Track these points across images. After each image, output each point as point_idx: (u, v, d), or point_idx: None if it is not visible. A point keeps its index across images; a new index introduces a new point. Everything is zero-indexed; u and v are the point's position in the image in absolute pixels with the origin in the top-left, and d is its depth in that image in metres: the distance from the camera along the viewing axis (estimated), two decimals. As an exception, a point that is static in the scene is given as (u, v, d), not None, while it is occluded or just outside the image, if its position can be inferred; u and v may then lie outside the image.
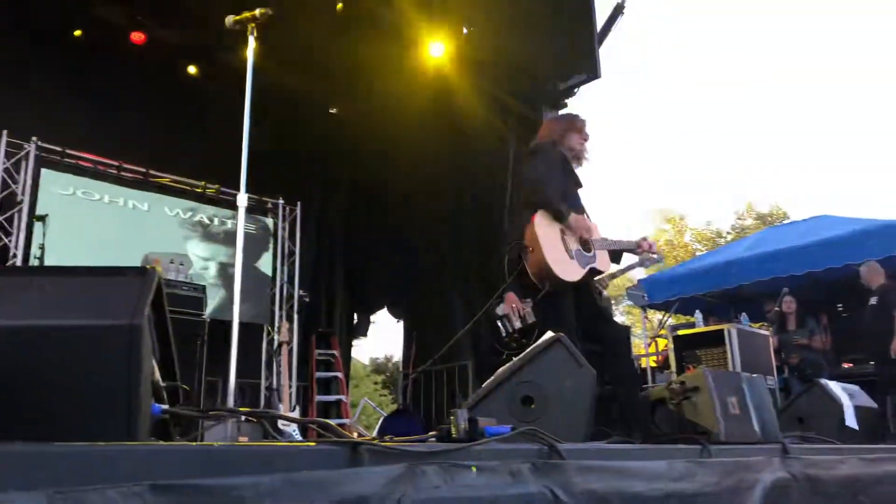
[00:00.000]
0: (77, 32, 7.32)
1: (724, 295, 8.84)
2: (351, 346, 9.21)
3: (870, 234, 7.30)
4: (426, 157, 8.47)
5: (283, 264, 7.97)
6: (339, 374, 8.12)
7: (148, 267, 1.54)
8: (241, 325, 5.78)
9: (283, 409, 6.22)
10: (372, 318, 9.30)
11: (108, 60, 7.40)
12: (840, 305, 8.58)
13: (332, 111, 9.57)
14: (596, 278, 3.66)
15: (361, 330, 9.17)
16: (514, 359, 2.52)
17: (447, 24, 7.84)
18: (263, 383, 7.26)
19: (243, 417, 3.80)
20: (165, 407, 1.57)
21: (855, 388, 4.05)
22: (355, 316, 9.19)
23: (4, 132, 6.41)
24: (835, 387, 3.75)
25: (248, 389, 7.06)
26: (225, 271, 7.43)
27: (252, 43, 2.92)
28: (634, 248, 3.86)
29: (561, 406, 2.37)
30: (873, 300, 6.75)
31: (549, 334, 2.54)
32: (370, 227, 9.17)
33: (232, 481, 1.24)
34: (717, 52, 51.29)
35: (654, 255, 3.89)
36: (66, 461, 1.16)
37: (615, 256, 3.83)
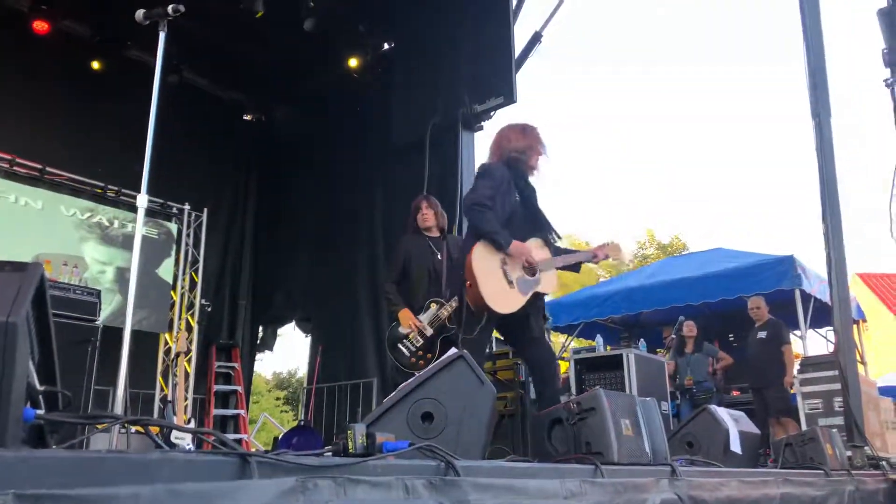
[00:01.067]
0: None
1: (625, 321, 9.15)
2: (254, 359, 8.96)
3: (762, 267, 7.74)
4: (343, 171, 8.41)
5: (185, 272, 7.69)
6: (239, 388, 7.89)
7: (31, 262, 1.45)
8: (138, 332, 5.53)
9: (177, 421, 5.97)
10: (279, 331, 9.09)
11: (7, 47, 7.00)
12: (731, 335, 9.03)
13: (246, 117, 9.40)
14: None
15: (268, 344, 8.94)
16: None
17: (371, 37, 7.89)
18: (158, 394, 6.96)
19: (132, 428, 3.62)
20: (40, 412, 1.47)
21: (741, 414, 4.24)
22: (260, 329, 8.95)
23: None
24: (722, 413, 3.91)
25: (140, 400, 6.75)
26: (122, 276, 7.10)
27: (161, 39, 2.82)
28: (590, 258, 3.92)
29: (461, 423, 2.37)
30: (762, 334, 7.15)
31: (453, 350, 2.55)
32: (282, 237, 8.99)
33: (108, 491, 1.17)
34: (629, 77, 53.43)
35: (618, 260, 4.11)
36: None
37: (574, 267, 3.88)
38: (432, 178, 7.39)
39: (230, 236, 8.81)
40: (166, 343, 7.29)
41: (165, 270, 7.56)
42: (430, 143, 7.44)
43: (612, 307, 8.60)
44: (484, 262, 3.42)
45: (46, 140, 7.01)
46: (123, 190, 7.20)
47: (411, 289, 4.75)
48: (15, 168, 6.77)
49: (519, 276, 3.50)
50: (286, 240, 8.92)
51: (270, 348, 9.33)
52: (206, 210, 8.08)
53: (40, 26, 7.17)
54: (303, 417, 7.75)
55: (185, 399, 6.62)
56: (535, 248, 3.66)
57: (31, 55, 7.08)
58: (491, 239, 3.43)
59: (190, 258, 7.78)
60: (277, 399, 22.12)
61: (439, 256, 4.82)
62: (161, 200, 7.40)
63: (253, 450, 2.93)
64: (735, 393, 8.12)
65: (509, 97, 7.10)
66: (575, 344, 9.51)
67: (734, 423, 3.85)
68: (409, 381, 2.47)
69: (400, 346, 4.61)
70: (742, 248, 9.14)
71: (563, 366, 8.94)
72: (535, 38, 7.16)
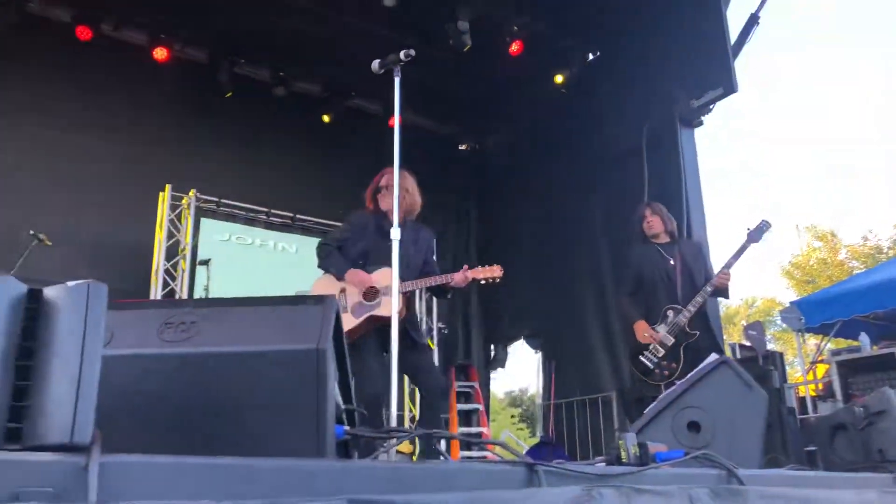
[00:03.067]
0: (228, 94, 7.93)
1: (892, 316, 8.12)
2: (489, 378, 9.22)
3: None
4: (558, 186, 8.45)
5: (419, 298, 8.15)
6: (480, 406, 8.14)
7: (328, 295, 1.63)
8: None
9: (428, 440, 6.31)
10: (509, 349, 9.28)
11: (254, 114, 7.99)
12: None
13: (462, 147, 9.83)
14: None
15: (500, 361, 9.17)
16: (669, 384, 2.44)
17: (575, 50, 7.89)
18: (408, 413, 7.40)
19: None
20: (347, 428, 1.64)
21: None
22: (492, 348, 9.21)
23: (168, 186, 7.02)
24: None
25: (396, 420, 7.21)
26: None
27: (397, 84, 3.06)
28: (447, 281, 3.95)
29: (731, 431, 2.26)
30: None
31: (713, 357, 2.44)
32: (505, 258, 9.18)
33: (421, 498, 1.28)
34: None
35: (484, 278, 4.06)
36: (272, 475, 1.23)
37: (440, 290, 4.11)
38: (653, 182, 7.17)
39: (457, 261, 9.20)
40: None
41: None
42: (647, 145, 7.25)
43: (874, 301, 7.67)
44: (319, 289, 3.91)
45: (294, 189, 7.87)
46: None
47: (647, 299, 4.65)
48: (271, 218, 7.68)
49: (356, 301, 3.81)
50: (508, 259, 8.97)
51: (503, 365, 9.54)
52: (434, 239, 8.51)
53: (279, 91, 8.14)
54: (543, 433, 7.80)
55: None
56: (382, 276, 3.79)
57: (271, 116, 8.03)
58: (329, 270, 3.93)
59: (424, 285, 8.25)
60: (512, 417, 22.51)
61: (672, 262, 4.66)
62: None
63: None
64: None
65: (729, 87, 6.71)
66: (832, 345, 8.61)
67: None
68: (671, 390, 2.41)
69: (642, 358, 4.51)
70: None
71: (821, 369, 8.15)
72: (752, 21, 6.70)
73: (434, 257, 4.35)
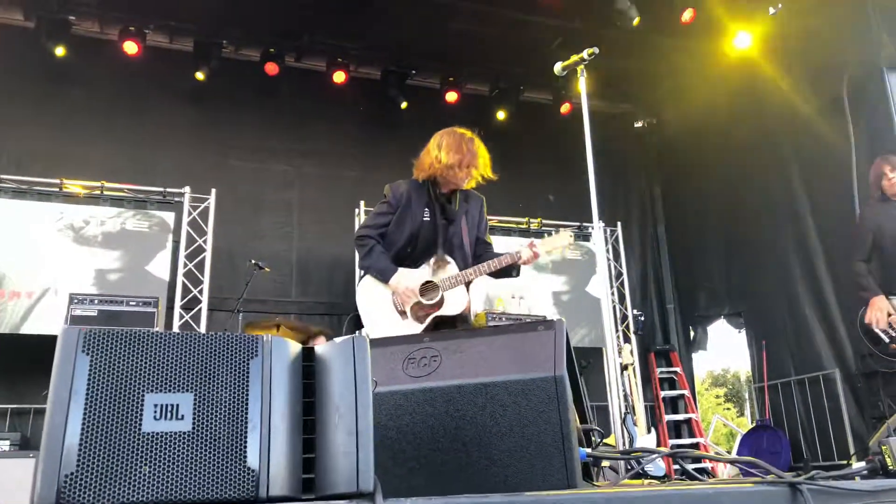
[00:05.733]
0: (403, 105, 8.24)
1: None
2: (691, 361, 8.85)
3: None
4: (746, 156, 7.93)
5: (611, 286, 8.00)
6: (686, 392, 7.86)
7: (554, 319, 1.65)
8: (582, 349, 5.87)
9: (638, 432, 6.19)
10: (709, 329, 8.84)
11: (429, 121, 8.22)
12: None
13: (637, 125, 9.51)
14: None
15: (701, 344, 8.76)
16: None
17: (752, 8, 7.34)
18: (612, 407, 7.30)
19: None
20: (589, 451, 1.65)
21: None
22: (691, 330, 8.83)
23: (363, 202, 7.41)
24: None
25: (595, 414, 7.16)
26: (558, 299, 7.69)
27: (582, 82, 3.03)
28: (515, 259, 3.27)
29: None
30: None
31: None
32: (693, 236, 8.80)
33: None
34: None
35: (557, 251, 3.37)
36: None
37: (503, 273, 3.35)
38: (860, 137, 6.51)
39: (645, 244, 8.93)
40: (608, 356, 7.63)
41: (593, 287, 7.97)
42: (849, 97, 6.58)
43: None
44: (370, 294, 3.22)
45: (479, 189, 8.01)
46: (544, 221, 7.85)
47: (886, 265, 4.22)
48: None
49: (414, 302, 3.17)
50: (698, 237, 8.69)
51: (704, 347, 9.11)
52: (619, 224, 8.32)
53: (451, 97, 8.34)
54: (759, 417, 7.36)
55: (641, 409, 6.81)
56: (437, 267, 3.24)
57: (445, 122, 8.22)
58: (375, 272, 3.22)
59: (614, 272, 8.08)
60: (717, 397, 21.48)
61: None
62: (577, 223, 7.86)
63: (713, 454, 2.87)
64: None
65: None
66: None
67: None
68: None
69: (877, 331, 4.11)
70: None
71: None
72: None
73: (486, 224, 3.64)
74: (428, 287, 3.19)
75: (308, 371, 1.24)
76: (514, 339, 1.62)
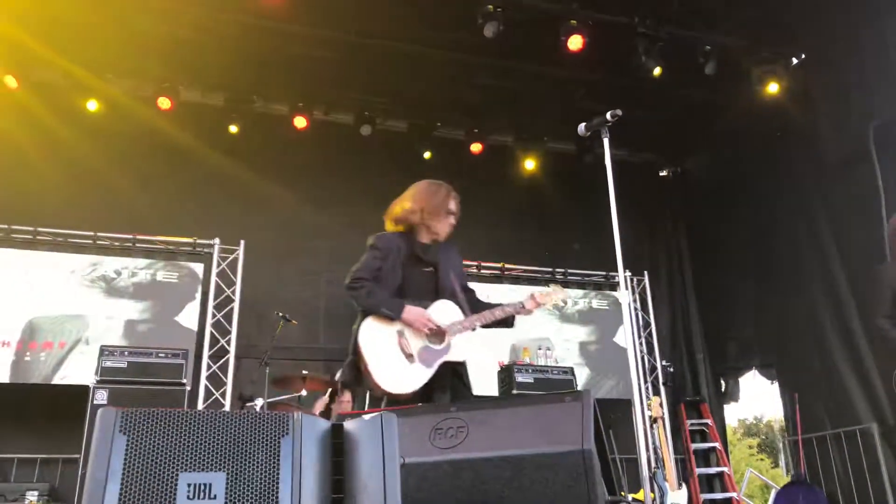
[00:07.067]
0: (427, 155, 8.36)
1: None
2: (723, 412, 8.68)
3: None
4: (774, 205, 7.89)
5: (639, 336, 7.92)
6: (717, 445, 7.70)
7: (584, 390, 1.65)
8: (611, 401, 5.80)
9: (668, 487, 6.05)
10: (741, 380, 8.68)
11: (453, 171, 8.33)
12: None
13: (662, 174, 9.53)
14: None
15: (732, 395, 8.60)
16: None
17: (776, 57, 7.37)
18: (642, 460, 7.15)
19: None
20: (619, 524, 1.63)
21: None
22: (722, 381, 8.68)
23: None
24: None
25: (625, 467, 7.02)
26: (585, 349, 7.63)
27: (606, 144, 3.07)
28: (518, 310, 3.30)
29: None
30: None
31: None
32: (722, 286, 8.72)
33: None
34: None
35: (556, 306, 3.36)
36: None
37: (504, 324, 3.33)
38: (889, 187, 6.44)
39: (673, 294, 8.86)
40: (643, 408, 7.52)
41: (620, 338, 7.90)
42: (877, 147, 6.54)
43: None
44: (375, 338, 3.05)
45: (502, 239, 8.05)
46: (570, 271, 7.85)
47: None
48: (481, 271, 7.91)
49: (422, 347, 3.07)
50: (728, 287, 8.61)
51: (736, 399, 8.94)
52: (646, 273, 8.28)
53: (476, 147, 8.45)
54: (794, 472, 7.16)
55: (671, 463, 6.67)
56: (439, 312, 3.17)
57: (467, 171, 8.34)
58: (383, 312, 3.09)
59: (641, 322, 8.01)
60: (750, 447, 20.92)
61: None
62: (603, 273, 7.84)
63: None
64: None
65: None
66: None
67: None
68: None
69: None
70: None
71: None
72: None
73: (463, 269, 3.63)
74: (436, 332, 3.14)
75: (337, 448, 1.26)
76: (541, 410, 1.62)
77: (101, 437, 1.12)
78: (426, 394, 3.05)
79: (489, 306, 3.36)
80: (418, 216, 3.33)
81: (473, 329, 3.23)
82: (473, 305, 3.34)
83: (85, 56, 7.08)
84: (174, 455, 1.15)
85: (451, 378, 3.16)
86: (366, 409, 3.33)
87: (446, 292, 3.24)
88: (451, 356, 3.12)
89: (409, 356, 3.05)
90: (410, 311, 3.10)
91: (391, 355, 3.03)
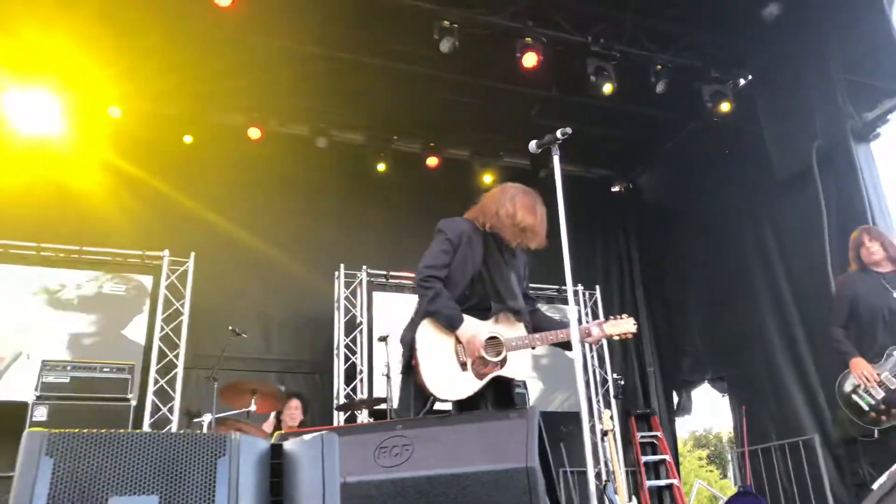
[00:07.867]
0: (382, 168, 8.36)
1: None
2: (674, 425, 8.81)
3: None
4: (723, 221, 8.09)
5: (591, 349, 8.00)
6: (667, 457, 7.79)
7: (529, 408, 1.65)
8: (562, 414, 5.81)
9: (619, 500, 6.10)
10: (692, 393, 8.83)
11: (410, 184, 8.37)
12: None
13: (614, 189, 9.70)
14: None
15: (685, 408, 8.74)
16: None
17: (724, 77, 7.57)
18: (591, 472, 7.20)
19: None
20: (563, 541, 1.63)
21: None
22: (675, 394, 8.82)
23: (342, 265, 7.43)
24: None
25: (576, 480, 7.06)
26: (538, 363, 7.67)
27: (556, 160, 3.10)
28: (583, 337, 3.21)
29: None
30: None
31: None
32: (673, 300, 8.88)
33: None
34: None
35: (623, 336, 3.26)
36: None
37: (564, 346, 3.22)
38: (830, 205, 6.67)
39: (625, 307, 8.97)
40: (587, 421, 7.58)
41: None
42: (819, 167, 6.77)
43: None
44: (432, 339, 2.99)
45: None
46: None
47: (861, 333, 4.27)
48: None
49: (478, 357, 2.99)
50: (679, 301, 8.78)
51: (689, 412, 9.09)
52: (598, 287, 8.38)
53: (432, 161, 8.49)
54: (741, 483, 7.29)
55: (621, 475, 6.73)
56: (501, 324, 3.10)
57: (425, 185, 8.34)
58: (444, 316, 3.00)
59: (594, 336, 8.10)
60: (700, 459, 21.27)
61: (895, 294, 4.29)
62: (556, 286, 7.91)
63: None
64: None
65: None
66: None
67: None
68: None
69: (855, 398, 4.14)
70: None
71: None
72: (925, 19, 6.14)
73: (528, 282, 3.53)
74: (492, 343, 3.04)
75: (276, 469, 1.24)
76: (486, 427, 1.62)
77: (26, 461, 1.08)
78: (474, 404, 2.97)
79: (553, 324, 3.29)
80: (505, 221, 3.22)
81: (533, 347, 3.16)
82: (538, 321, 3.29)
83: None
84: (104, 478, 1.12)
85: (501, 393, 3.08)
86: (412, 399, 3.07)
87: (513, 298, 3.16)
88: (506, 371, 3.04)
89: (463, 364, 2.98)
90: (466, 329, 3.00)
91: (445, 360, 2.97)
